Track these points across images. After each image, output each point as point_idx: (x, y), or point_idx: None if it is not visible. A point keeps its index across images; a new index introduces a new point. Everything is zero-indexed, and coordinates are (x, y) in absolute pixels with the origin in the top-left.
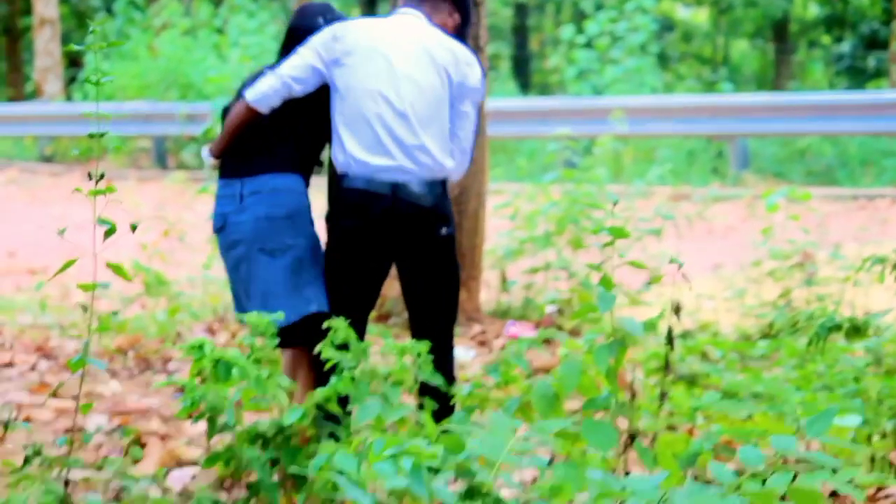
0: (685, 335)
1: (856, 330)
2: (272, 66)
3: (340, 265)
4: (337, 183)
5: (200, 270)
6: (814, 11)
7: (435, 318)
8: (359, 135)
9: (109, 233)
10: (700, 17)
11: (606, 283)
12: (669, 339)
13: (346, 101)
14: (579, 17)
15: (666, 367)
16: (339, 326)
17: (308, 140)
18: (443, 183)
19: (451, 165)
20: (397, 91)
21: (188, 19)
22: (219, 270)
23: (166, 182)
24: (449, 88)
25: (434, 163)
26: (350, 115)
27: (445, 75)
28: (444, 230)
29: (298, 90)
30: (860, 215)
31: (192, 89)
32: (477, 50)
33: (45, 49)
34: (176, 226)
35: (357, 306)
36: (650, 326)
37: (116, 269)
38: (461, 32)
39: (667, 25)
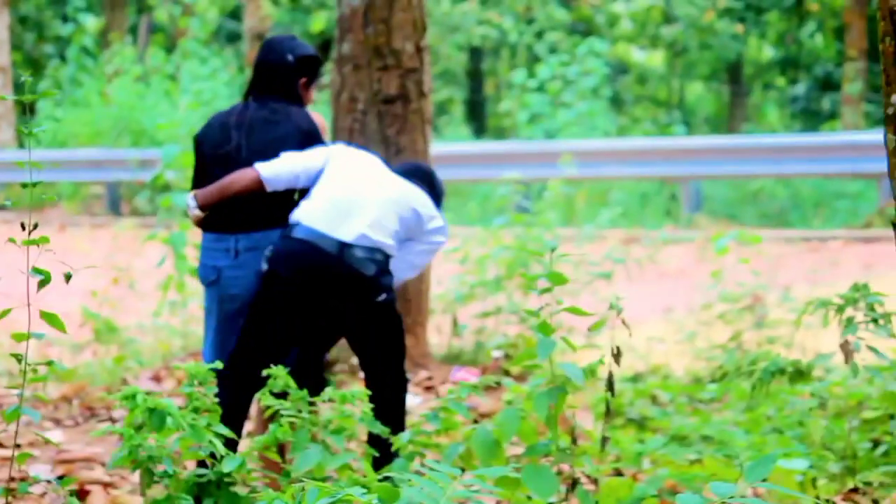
0: (636, 378)
1: (799, 373)
2: (245, 103)
3: (264, 312)
4: (285, 231)
5: (150, 317)
6: (768, 54)
7: (379, 372)
8: (323, 200)
9: (43, 283)
10: (655, 60)
11: (545, 328)
12: (610, 385)
13: (327, 173)
14: (533, 62)
15: (607, 412)
16: (279, 374)
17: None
18: (386, 256)
19: (392, 248)
20: (369, 192)
21: (140, 66)
22: (168, 317)
23: (118, 228)
24: (407, 225)
25: (383, 239)
26: (324, 183)
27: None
28: (382, 297)
29: (302, 184)
30: (812, 257)
31: (144, 136)
32: (421, 95)
33: None
34: (126, 272)
35: (268, 353)
36: (590, 372)
37: (50, 319)
38: None
39: (621, 69)
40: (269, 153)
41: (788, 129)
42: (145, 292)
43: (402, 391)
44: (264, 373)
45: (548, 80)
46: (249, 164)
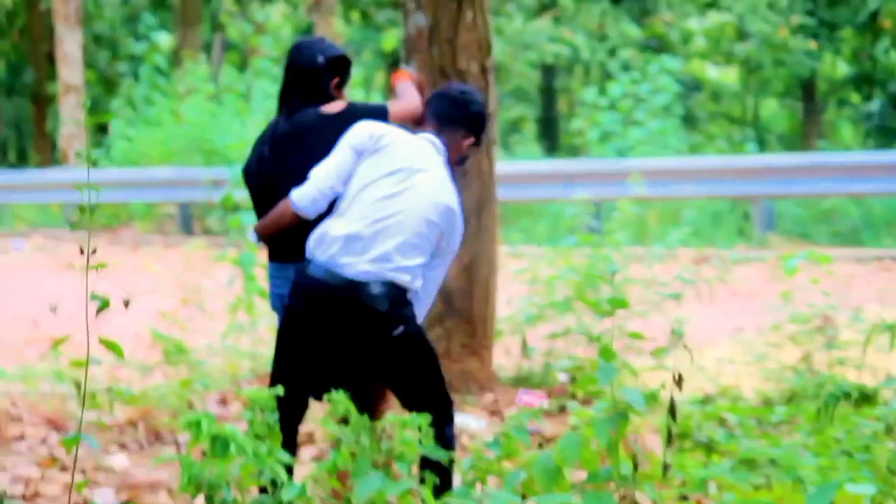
0: (705, 400)
1: (865, 398)
2: (279, 111)
3: (285, 347)
4: (300, 265)
5: (220, 339)
6: (842, 70)
7: (415, 405)
8: (341, 228)
9: (102, 308)
10: (729, 76)
11: (607, 353)
12: (671, 411)
13: (351, 185)
14: (606, 79)
15: (669, 437)
16: (340, 400)
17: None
18: (404, 290)
19: (415, 285)
20: (393, 202)
21: (213, 84)
22: (238, 339)
23: (188, 248)
24: (439, 233)
25: (397, 273)
26: (348, 200)
27: (443, 221)
28: (399, 330)
29: (342, 191)
30: (884, 276)
31: (216, 155)
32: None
33: (71, 116)
34: (196, 293)
35: (299, 385)
36: (652, 398)
37: (109, 345)
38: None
39: (695, 86)
40: (304, 172)
41: (863, 146)
42: (215, 313)
43: (443, 423)
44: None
45: (619, 98)
46: (289, 190)
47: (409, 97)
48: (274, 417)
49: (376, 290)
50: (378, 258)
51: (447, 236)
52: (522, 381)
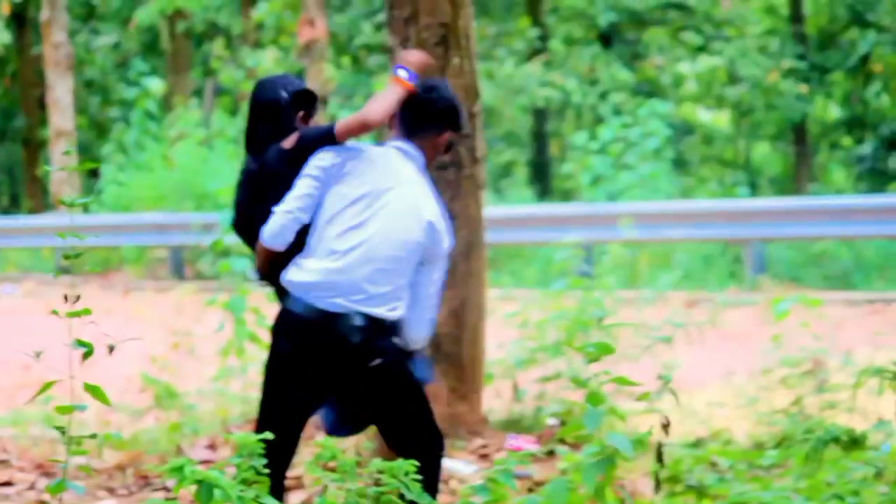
0: (696, 444)
1: (854, 442)
2: (247, 151)
3: (273, 385)
4: (280, 297)
5: (211, 383)
6: (834, 114)
7: (400, 441)
8: (315, 261)
9: (87, 355)
10: (721, 120)
11: (594, 399)
12: (658, 456)
13: (319, 219)
14: (598, 123)
15: (657, 483)
16: (327, 445)
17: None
18: (381, 320)
19: (392, 314)
20: (358, 233)
21: (204, 129)
22: (228, 383)
23: (179, 293)
24: (421, 250)
25: (368, 305)
26: (318, 232)
27: (423, 237)
28: (376, 361)
29: (307, 219)
30: (876, 319)
31: (207, 199)
32: (474, 161)
33: (61, 161)
34: (186, 337)
35: (285, 423)
36: (639, 443)
37: (94, 392)
38: (450, 145)
39: (687, 129)
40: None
41: (854, 189)
42: (206, 357)
43: (430, 459)
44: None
45: (610, 142)
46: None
47: (368, 105)
48: (261, 462)
49: (351, 321)
50: (348, 291)
51: (433, 247)
52: (513, 425)
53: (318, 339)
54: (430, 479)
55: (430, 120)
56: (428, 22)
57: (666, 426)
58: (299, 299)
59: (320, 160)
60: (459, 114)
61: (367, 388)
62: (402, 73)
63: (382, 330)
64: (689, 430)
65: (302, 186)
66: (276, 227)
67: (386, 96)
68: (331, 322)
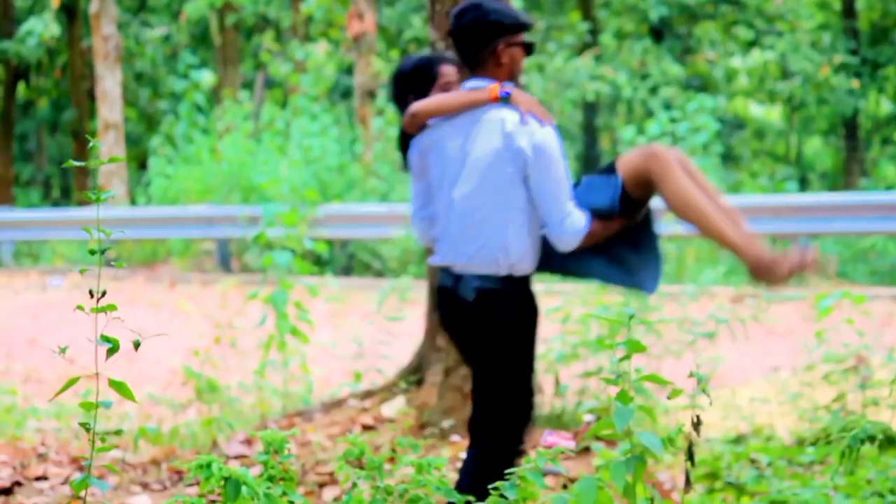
0: (738, 440)
1: (890, 441)
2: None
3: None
4: None
5: (252, 377)
6: (886, 108)
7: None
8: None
9: (112, 351)
10: (773, 115)
11: (623, 397)
12: (690, 455)
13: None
14: (649, 117)
15: (687, 482)
16: (356, 443)
17: None
18: (502, 278)
19: (512, 258)
20: (452, 184)
21: (252, 122)
22: (270, 377)
23: (223, 286)
24: (509, 164)
25: (468, 264)
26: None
27: (505, 153)
28: (488, 326)
29: (429, 212)
30: None
31: (254, 192)
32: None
33: (110, 153)
34: (229, 331)
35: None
36: (670, 441)
37: (118, 388)
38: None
39: (738, 124)
40: None
41: None
42: (248, 351)
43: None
44: None
45: (657, 137)
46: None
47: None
48: (289, 458)
49: (468, 283)
50: (449, 257)
51: (530, 166)
52: (554, 421)
53: (449, 302)
54: (505, 445)
55: (475, 44)
56: None
57: (697, 424)
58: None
59: (410, 156)
60: (501, 15)
61: (473, 346)
62: (498, 90)
63: (495, 285)
64: (731, 426)
65: (412, 186)
66: (416, 232)
67: (456, 94)
68: (455, 284)
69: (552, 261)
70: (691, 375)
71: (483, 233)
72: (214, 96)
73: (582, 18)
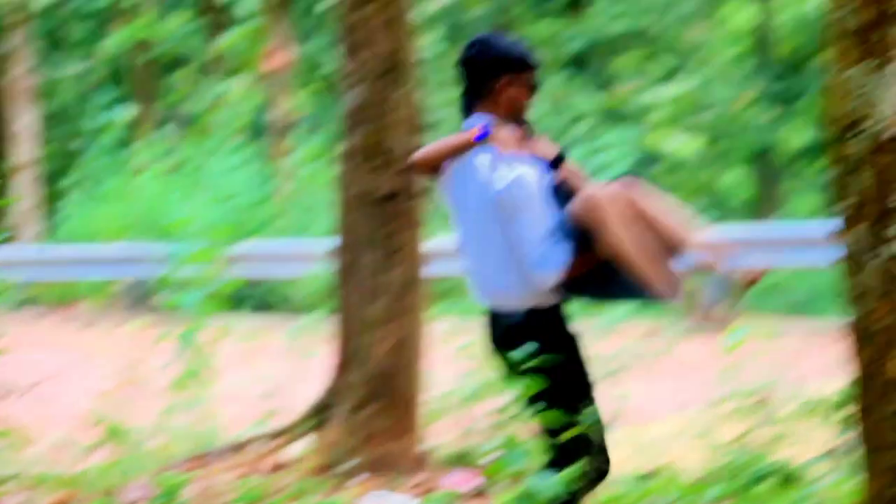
0: (646, 477)
1: (788, 477)
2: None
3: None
4: None
5: (161, 418)
6: (801, 140)
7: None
8: None
9: None
10: (690, 146)
11: (511, 442)
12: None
13: None
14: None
15: None
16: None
17: None
18: (526, 312)
19: (519, 295)
20: (458, 228)
21: (167, 160)
22: (180, 418)
23: (133, 325)
24: (489, 209)
25: (499, 296)
26: None
27: (483, 198)
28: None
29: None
30: (833, 348)
31: (169, 231)
32: (413, 196)
33: (25, 192)
34: (137, 372)
35: None
36: (565, 483)
37: (4, 435)
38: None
39: (655, 156)
40: None
41: (821, 215)
42: (158, 392)
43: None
44: None
45: None
46: None
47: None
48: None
49: (497, 319)
50: (476, 297)
51: (503, 209)
52: (462, 459)
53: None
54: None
55: (478, 78)
56: (372, 52)
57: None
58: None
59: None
60: (505, 52)
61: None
62: (476, 129)
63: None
64: (640, 464)
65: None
66: None
67: (443, 141)
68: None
69: (588, 286)
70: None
71: (488, 275)
72: (131, 133)
73: None
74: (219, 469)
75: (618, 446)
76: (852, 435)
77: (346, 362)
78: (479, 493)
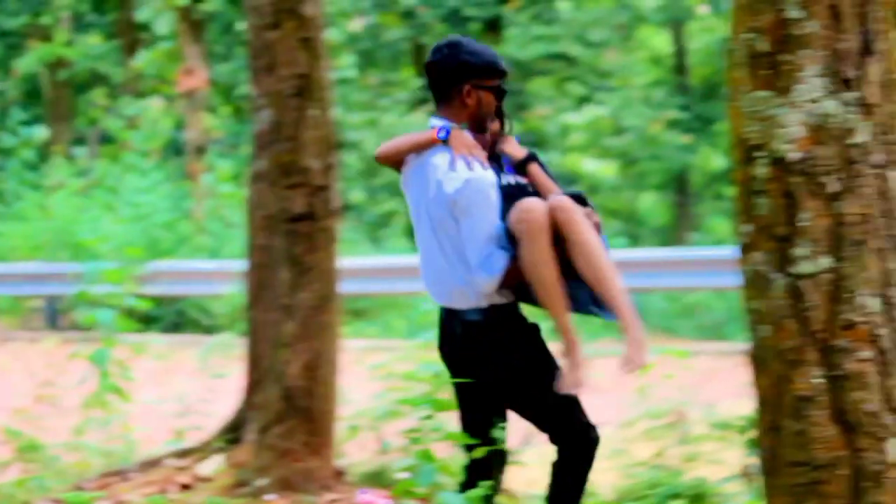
0: None
1: (697, 497)
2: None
3: None
4: None
5: (74, 435)
6: (717, 163)
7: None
8: None
9: None
10: (607, 170)
11: (425, 456)
12: None
13: None
14: None
15: None
16: None
17: None
18: (484, 309)
19: (477, 292)
20: (416, 226)
21: (82, 179)
22: (91, 436)
23: (47, 343)
24: (444, 208)
25: (457, 295)
26: None
27: (438, 197)
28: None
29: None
30: (746, 371)
31: (83, 249)
32: (329, 214)
33: None
34: (50, 389)
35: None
36: (474, 500)
37: None
38: (498, 103)
39: (572, 179)
40: None
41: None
42: (71, 409)
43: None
44: None
45: None
46: None
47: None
48: None
49: (455, 317)
50: (433, 297)
51: (442, 211)
52: (376, 479)
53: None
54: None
55: (442, 81)
56: (285, 73)
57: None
58: None
59: None
60: (474, 57)
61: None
62: (441, 133)
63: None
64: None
65: None
66: None
67: (405, 136)
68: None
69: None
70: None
71: (445, 273)
72: (46, 152)
73: (415, 74)
74: (130, 486)
75: (531, 465)
76: (758, 455)
77: (259, 380)
78: None
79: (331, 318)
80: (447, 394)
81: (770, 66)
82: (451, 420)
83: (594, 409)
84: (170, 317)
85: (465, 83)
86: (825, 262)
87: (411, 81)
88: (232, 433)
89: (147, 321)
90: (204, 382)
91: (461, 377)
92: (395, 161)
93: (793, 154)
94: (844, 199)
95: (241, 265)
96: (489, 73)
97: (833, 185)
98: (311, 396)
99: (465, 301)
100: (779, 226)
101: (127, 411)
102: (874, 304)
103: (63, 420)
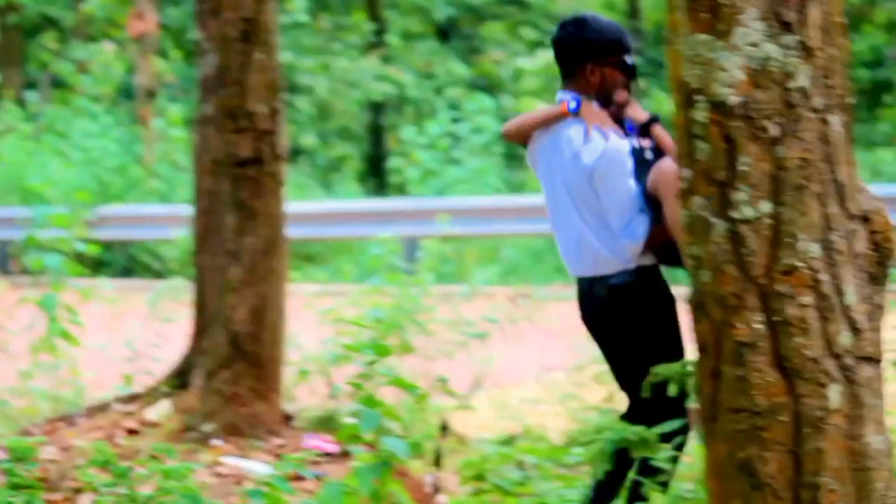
0: (508, 441)
1: (643, 442)
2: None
3: None
4: None
5: (21, 380)
6: (669, 107)
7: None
8: None
9: None
10: None
11: (369, 401)
12: (436, 460)
13: None
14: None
15: (435, 489)
16: (101, 450)
17: None
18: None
19: (621, 258)
20: (550, 199)
21: (32, 123)
22: (40, 381)
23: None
24: (582, 179)
25: (600, 264)
26: None
27: (576, 169)
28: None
29: None
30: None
31: (33, 194)
32: (276, 158)
33: None
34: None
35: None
36: (415, 447)
37: None
38: (625, 76)
39: None
40: None
41: None
42: (19, 354)
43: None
44: None
45: (438, 137)
46: None
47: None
48: (33, 467)
49: (598, 282)
50: (573, 270)
51: (594, 180)
52: (326, 423)
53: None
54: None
55: (567, 59)
56: (231, 17)
57: (444, 430)
58: None
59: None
60: (598, 34)
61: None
62: (571, 104)
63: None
64: (502, 427)
65: None
66: None
67: (535, 111)
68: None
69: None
70: (438, 380)
71: (589, 243)
72: None
73: (368, 18)
74: (77, 432)
75: (481, 409)
76: (699, 401)
77: (206, 326)
78: (345, 454)
79: (277, 263)
80: (395, 340)
81: (710, 9)
82: (398, 365)
83: (547, 353)
84: (120, 261)
85: (587, 62)
86: (765, 206)
87: (363, 25)
88: (179, 378)
89: (97, 266)
90: (153, 327)
91: (605, 343)
92: (524, 137)
93: (733, 98)
94: (785, 144)
95: (189, 210)
96: (613, 51)
97: (773, 129)
98: (258, 342)
99: (611, 267)
100: (719, 170)
101: (75, 356)
102: (815, 249)
103: (11, 365)
